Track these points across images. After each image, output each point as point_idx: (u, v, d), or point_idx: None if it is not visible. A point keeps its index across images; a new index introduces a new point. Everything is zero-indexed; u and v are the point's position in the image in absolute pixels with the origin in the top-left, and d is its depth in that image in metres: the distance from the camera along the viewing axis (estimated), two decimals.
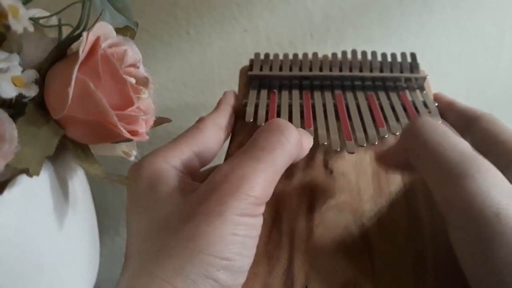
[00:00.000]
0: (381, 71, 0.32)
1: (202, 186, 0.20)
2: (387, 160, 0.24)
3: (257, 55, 0.33)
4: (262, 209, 0.20)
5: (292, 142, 0.21)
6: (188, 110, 0.46)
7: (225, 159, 0.27)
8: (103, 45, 0.21)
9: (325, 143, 0.26)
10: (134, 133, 0.22)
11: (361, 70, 0.32)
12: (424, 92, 0.31)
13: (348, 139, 0.26)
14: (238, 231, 0.18)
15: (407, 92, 0.31)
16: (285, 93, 0.30)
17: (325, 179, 0.26)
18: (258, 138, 0.21)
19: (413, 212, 0.25)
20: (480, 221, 0.18)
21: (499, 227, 0.17)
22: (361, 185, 0.26)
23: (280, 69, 0.32)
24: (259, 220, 0.19)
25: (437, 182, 0.20)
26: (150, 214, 0.20)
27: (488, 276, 0.18)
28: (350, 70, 0.32)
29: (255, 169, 0.19)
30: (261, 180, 0.19)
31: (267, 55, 0.33)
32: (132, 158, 0.26)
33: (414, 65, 0.32)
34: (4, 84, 0.18)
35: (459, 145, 0.20)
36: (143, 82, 0.23)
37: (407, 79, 0.31)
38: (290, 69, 0.32)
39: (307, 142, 0.24)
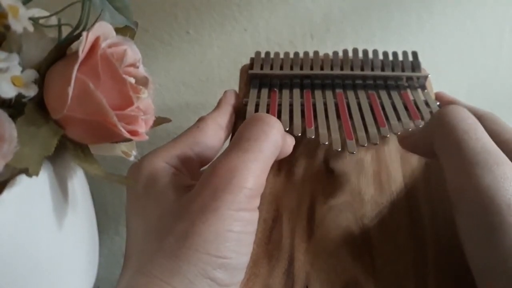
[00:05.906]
0: (383, 70, 0.32)
1: (197, 184, 0.19)
2: (409, 141, 0.25)
3: (257, 53, 0.33)
4: (257, 202, 0.19)
5: (275, 130, 0.20)
6: (188, 110, 0.46)
7: None
8: (103, 45, 0.21)
9: (326, 143, 0.26)
10: (133, 133, 0.21)
11: (362, 69, 0.32)
12: (426, 91, 0.31)
13: (349, 139, 0.26)
14: (233, 227, 0.18)
15: (408, 91, 0.31)
16: (286, 92, 0.30)
17: (326, 179, 0.26)
18: (242, 130, 0.20)
19: (414, 212, 0.24)
20: (491, 209, 0.18)
21: (510, 217, 0.18)
22: (362, 185, 0.26)
23: (281, 68, 0.32)
24: (255, 215, 0.19)
25: (455, 168, 0.20)
26: (148, 213, 0.20)
27: (492, 265, 0.18)
28: (351, 69, 0.32)
29: (243, 160, 0.19)
30: (251, 170, 0.19)
31: (267, 54, 0.33)
32: (132, 158, 0.26)
33: (415, 64, 0.32)
34: (4, 84, 0.18)
35: (484, 138, 0.20)
36: (143, 82, 0.23)
37: (409, 78, 0.31)
38: (291, 68, 0.32)
39: (290, 139, 0.24)
